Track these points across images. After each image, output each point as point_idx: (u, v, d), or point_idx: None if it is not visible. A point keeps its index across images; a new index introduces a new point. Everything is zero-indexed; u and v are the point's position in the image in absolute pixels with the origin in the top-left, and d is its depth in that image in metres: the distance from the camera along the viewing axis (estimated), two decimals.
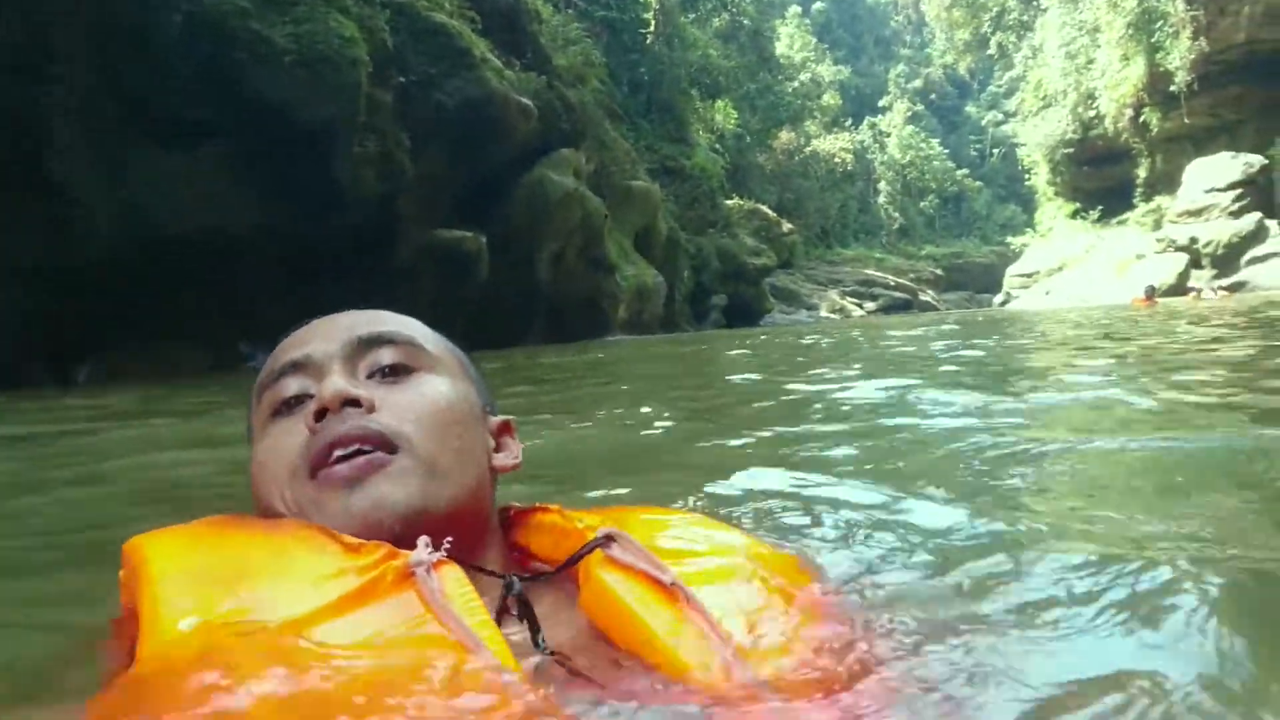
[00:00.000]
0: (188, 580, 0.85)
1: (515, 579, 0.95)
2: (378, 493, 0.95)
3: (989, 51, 55.68)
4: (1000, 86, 67.59)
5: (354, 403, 0.99)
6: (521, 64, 18.24)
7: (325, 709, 0.69)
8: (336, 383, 1.00)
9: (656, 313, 24.41)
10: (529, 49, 19.00)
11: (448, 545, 0.89)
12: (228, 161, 12.37)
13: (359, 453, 0.97)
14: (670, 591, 0.89)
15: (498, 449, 1.13)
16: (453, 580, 0.85)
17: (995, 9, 52.30)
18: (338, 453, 0.97)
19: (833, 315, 41.23)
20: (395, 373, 1.06)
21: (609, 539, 0.95)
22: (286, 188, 12.75)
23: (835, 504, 1.81)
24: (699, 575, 0.93)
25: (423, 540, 0.88)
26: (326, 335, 1.08)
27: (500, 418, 1.18)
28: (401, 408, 1.01)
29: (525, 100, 16.82)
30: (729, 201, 41.13)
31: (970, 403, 4.01)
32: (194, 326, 12.95)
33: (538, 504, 1.12)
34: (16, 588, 1.72)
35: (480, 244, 16.12)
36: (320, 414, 0.99)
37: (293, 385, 1.05)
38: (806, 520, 1.68)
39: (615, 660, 0.89)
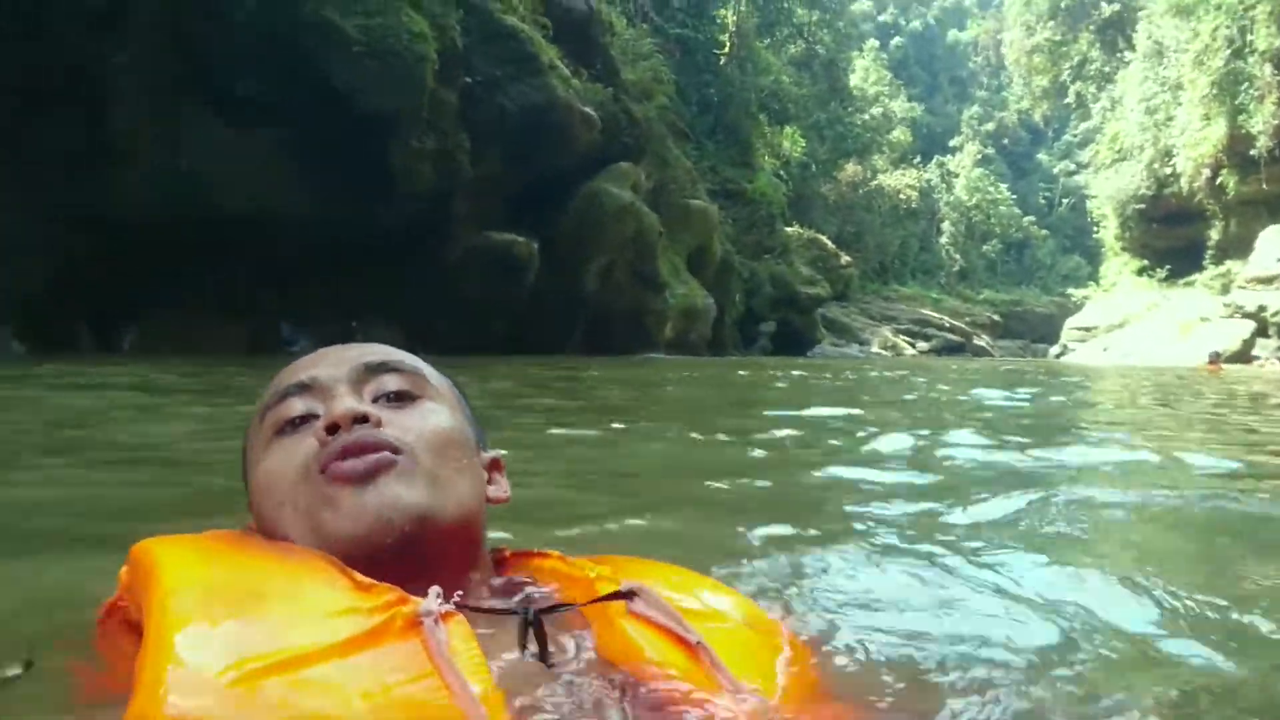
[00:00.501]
0: (199, 600, 0.85)
1: (531, 610, 0.93)
2: (390, 492, 0.96)
3: (1066, 100, 54.85)
4: (1075, 136, 66.52)
5: (363, 419, 1.01)
6: (589, 74, 18.25)
7: None
8: (347, 401, 1.02)
9: (704, 334, 24.24)
10: (599, 60, 19.03)
11: (458, 597, 0.89)
12: (286, 142, 12.49)
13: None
14: (694, 651, 0.90)
15: (489, 482, 1.14)
16: (460, 636, 0.84)
17: (1077, 58, 51.50)
18: (346, 461, 0.98)
19: (884, 352, 40.71)
20: (400, 398, 1.08)
21: (632, 592, 0.95)
22: (341, 175, 12.85)
23: (838, 565, 1.75)
24: (716, 636, 0.94)
25: (434, 590, 0.87)
26: (333, 361, 1.10)
27: (491, 453, 1.19)
28: (406, 426, 1.03)
29: (589, 110, 16.82)
30: (788, 229, 40.85)
31: (1018, 458, 3.86)
32: (236, 303, 13.07)
33: (535, 549, 1.13)
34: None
35: (531, 249, 16.11)
36: (331, 429, 1.00)
37: (298, 405, 1.06)
38: (818, 571, 1.66)
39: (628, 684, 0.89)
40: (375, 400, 1.06)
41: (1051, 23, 51.98)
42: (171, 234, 12.15)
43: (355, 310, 14.50)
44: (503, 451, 1.21)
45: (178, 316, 12.79)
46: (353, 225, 13.52)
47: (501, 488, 1.16)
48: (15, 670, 1.03)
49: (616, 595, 0.95)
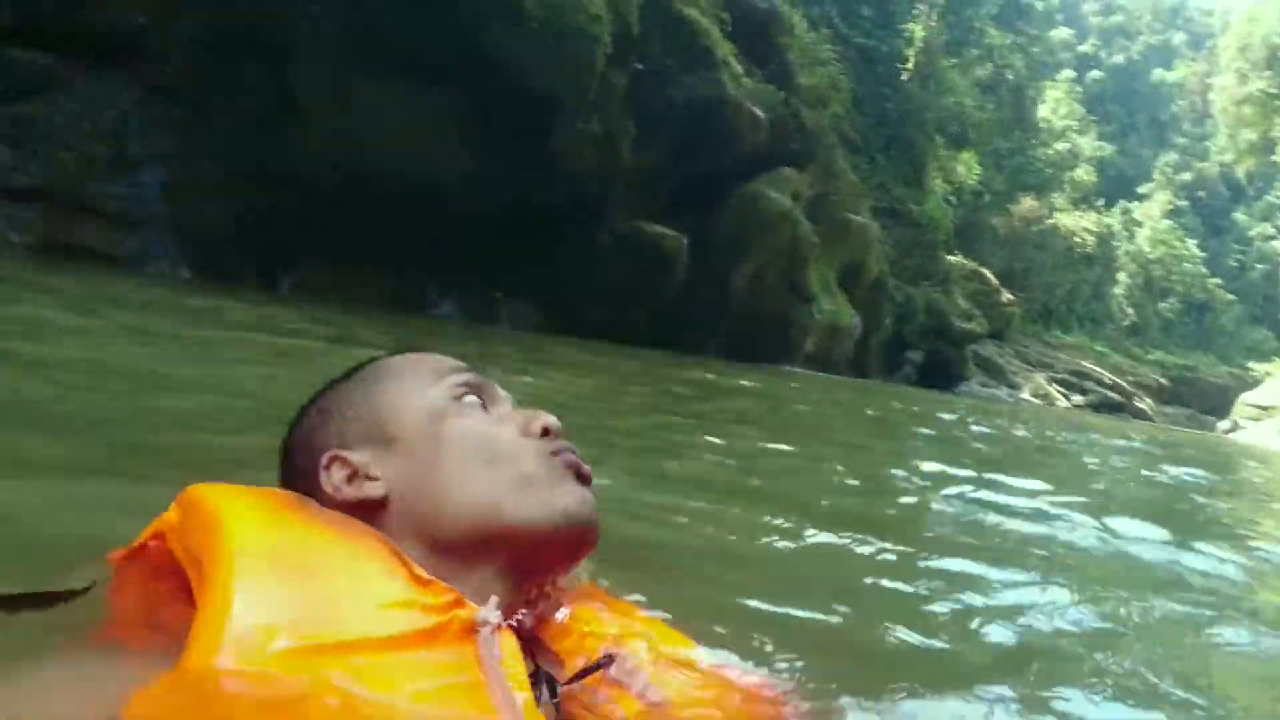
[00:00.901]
0: (265, 565, 0.83)
1: (554, 682, 0.93)
2: (594, 500, 1.00)
3: (1275, 158, 50.81)
4: (1279, 198, 61.74)
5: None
6: (763, 74, 17.82)
7: None
8: (555, 418, 1.04)
9: (846, 353, 23.49)
10: (775, 61, 18.56)
11: (520, 616, 0.92)
12: (452, 110, 12.58)
13: None
14: (660, 712, 0.94)
15: None
16: (510, 652, 0.85)
17: None
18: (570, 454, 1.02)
19: (1035, 399, 38.82)
20: None
21: (609, 659, 0.97)
22: (503, 148, 12.87)
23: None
24: (692, 705, 0.97)
25: (494, 600, 0.88)
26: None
27: None
28: None
29: (758, 110, 16.40)
30: (951, 258, 39.42)
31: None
32: (387, 261, 13.28)
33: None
34: None
35: (682, 244, 15.83)
36: (545, 432, 1.02)
37: (474, 379, 1.07)
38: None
39: None
40: None
41: (1269, 72, 48.22)
42: (335, 189, 12.45)
43: (500, 282, 14.57)
44: None
45: (333, 267, 13.12)
46: (509, 198, 13.55)
47: None
48: (84, 584, 0.99)
49: (595, 667, 0.96)
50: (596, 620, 1.05)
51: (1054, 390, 42.08)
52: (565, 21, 12.24)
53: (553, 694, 0.91)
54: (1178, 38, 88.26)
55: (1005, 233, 51.54)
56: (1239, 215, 73.75)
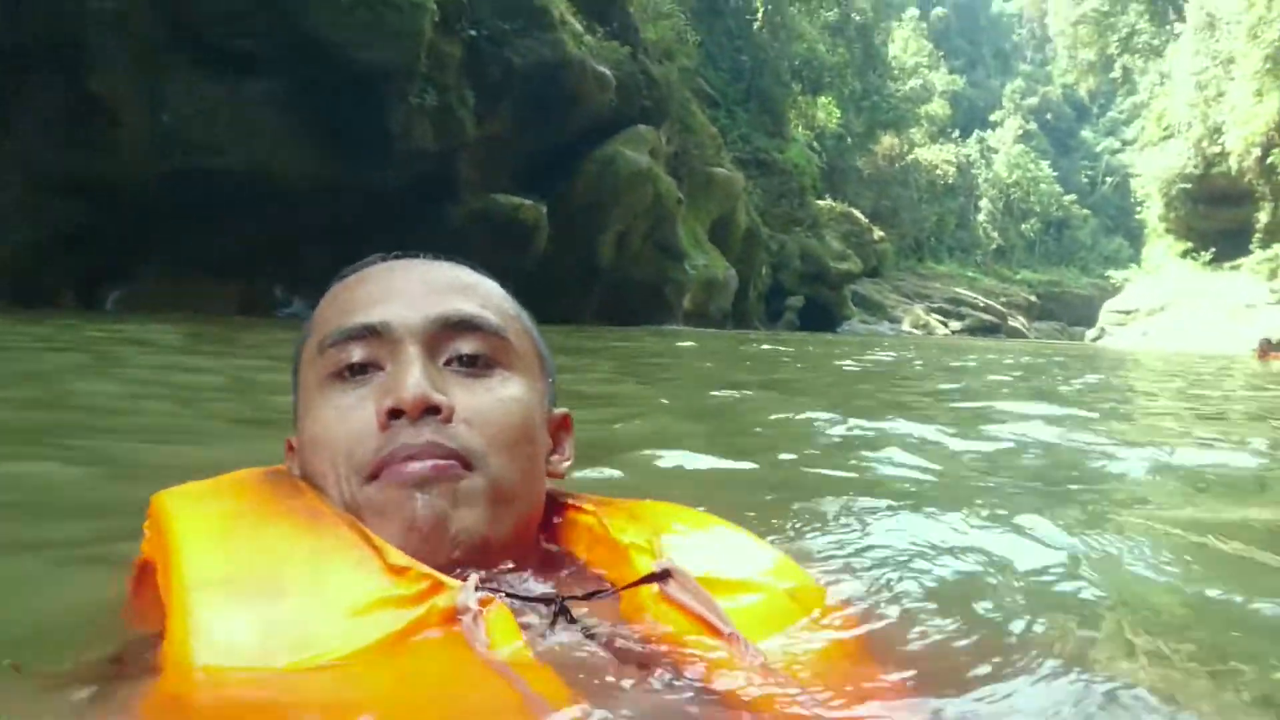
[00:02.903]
0: (221, 600, 0.79)
1: (563, 602, 0.88)
2: (445, 512, 0.89)
3: (1113, 74, 53.08)
4: (1121, 113, 64.75)
5: (433, 409, 0.91)
6: (605, 32, 17.45)
7: None
8: (419, 382, 0.91)
9: (725, 307, 23.50)
10: (615, 18, 18.19)
11: (493, 582, 0.87)
12: (275, 98, 11.90)
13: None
14: (729, 639, 0.86)
15: (554, 449, 1.06)
16: (500, 623, 0.80)
17: (1125, 30, 49.71)
18: (405, 466, 0.90)
19: (915, 330, 39.89)
20: (474, 364, 0.97)
21: (666, 574, 0.90)
22: (336, 132, 12.24)
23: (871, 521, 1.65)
24: (752, 618, 0.90)
25: (472, 579, 0.82)
26: (407, 300, 0.97)
27: (559, 411, 1.09)
28: (480, 418, 0.94)
29: (603, 69, 16.04)
30: (820, 202, 39.99)
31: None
32: (228, 265, 12.54)
33: (573, 500, 1.07)
34: None
35: (540, 214, 15.43)
36: (395, 413, 0.90)
37: (358, 351, 0.95)
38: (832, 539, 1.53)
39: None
40: (448, 362, 0.96)
41: None
42: (161, 195, 11.67)
43: None
44: (568, 411, 1.10)
45: (168, 277, 12.33)
46: (351, 185, 12.93)
47: (565, 455, 1.08)
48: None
49: (650, 578, 0.90)
50: (630, 524, 0.99)
51: (933, 319, 43.34)
52: None
53: (570, 619, 0.87)
54: None
55: (870, 172, 52.64)
56: (1085, 133, 77.13)
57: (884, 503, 1.86)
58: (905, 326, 40.36)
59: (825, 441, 3.34)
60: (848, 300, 36.67)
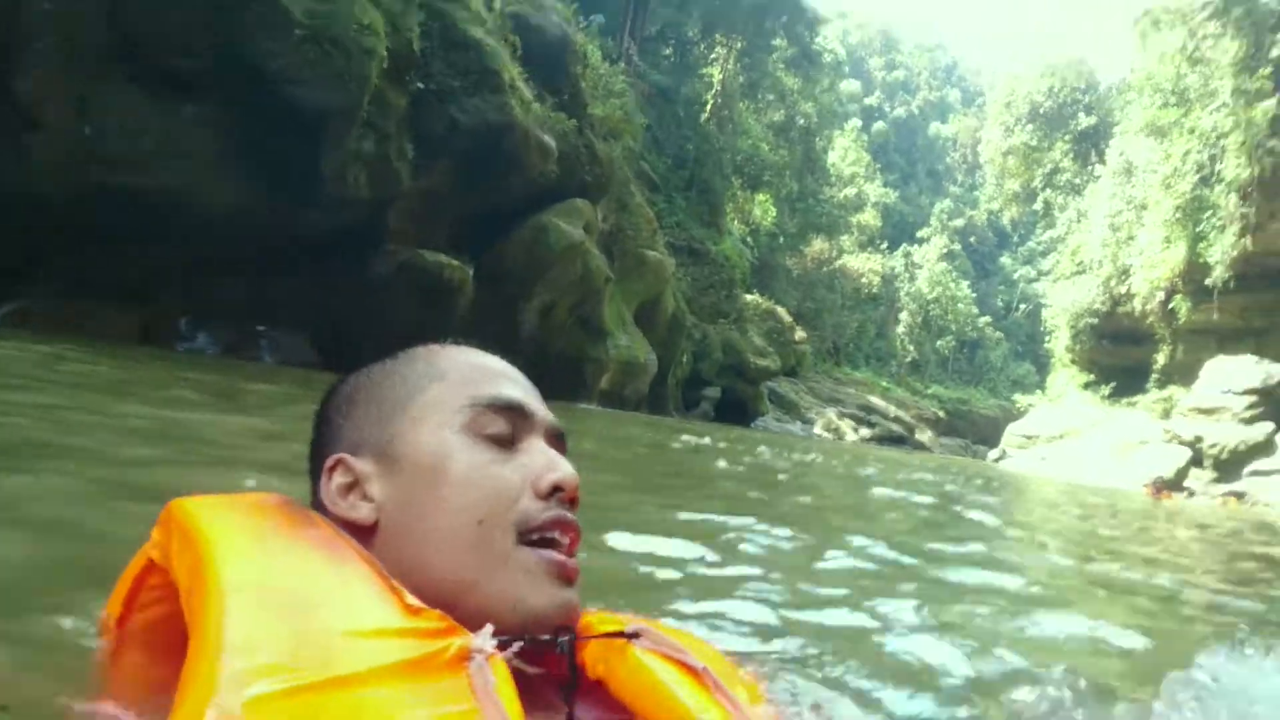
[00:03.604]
0: (256, 605, 0.82)
1: (568, 640, 0.96)
2: (574, 600, 0.98)
3: (1035, 206, 55.47)
4: (1039, 244, 67.48)
5: (575, 500, 1.01)
6: (555, 102, 17.47)
7: None
8: (573, 471, 1.01)
9: (642, 390, 23.35)
10: (567, 89, 18.26)
11: (515, 650, 0.89)
12: (208, 122, 11.49)
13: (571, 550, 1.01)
14: (700, 675, 0.95)
15: None
16: (503, 679, 0.84)
17: (1050, 166, 52.16)
18: (560, 536, 0.99)
19: (826, 434, 40.31)
20: None
21: (637, 634, 0.98)
22: (268, 168, 11.87)
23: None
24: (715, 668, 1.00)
25: (489, 628, 0.87)
26: (534, 397, 1.07)
27: None
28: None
29: (547, 138, 16.00)
30: (748, 296, 40.51)
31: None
32: (132, 291, 11.93)
33: None
34: None
35: (466, 275, 15.14)
36: (555, 490, 0.99)
37: (506, 422, 1.01)
38: None
39: None
40: None
41: (1030, 126, 52.70)
42: (71, 209, 11.10)
43: (266, 314, 13.44)
44: None
45: (66, 298, 11.65)
46: (273, 223, 12.50)
47: None
48: None
49: (623, 634, 0.98)
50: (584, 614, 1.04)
51: (844, 424, 43.87)
52: (336, 31, 11.44)
53: (566, 653, 0.94)
54: (953, 94, 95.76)
55: (798, 273, 53.75)
56: (1005, 259, 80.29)
57: None
58: (817, 429, 40.78)
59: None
60: (764, 397, 36.91)
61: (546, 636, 0.95)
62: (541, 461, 0.99)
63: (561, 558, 0.97)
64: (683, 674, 0.95)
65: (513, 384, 1.05)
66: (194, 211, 11.84)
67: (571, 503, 1.00)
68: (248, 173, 12.02)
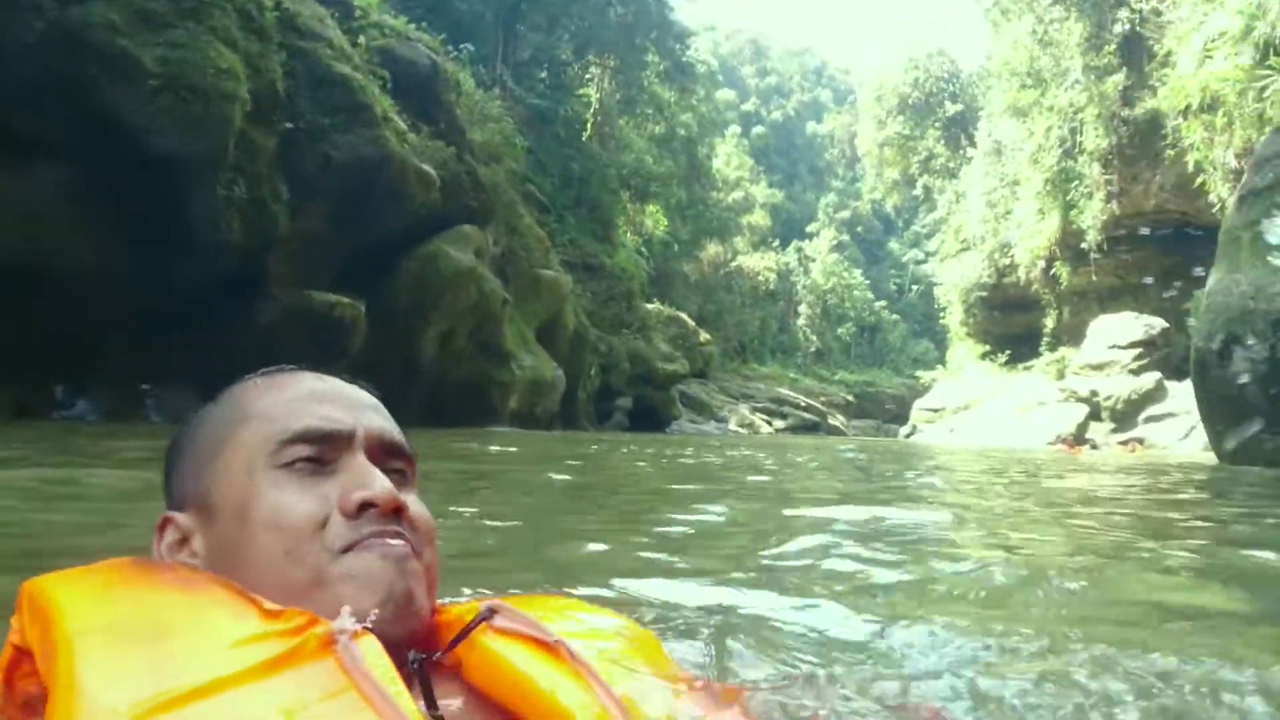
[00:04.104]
0: (104, 640, 0.81)
1: (414, 654, 0.94)
2: (414, 587, 0.96)
3: (915, 192, 57.23)
4: (923, 227, 69.56)
5: (398, 510, 0.98)
6: (430, 131, 17.36)
7: None
8: (388, 484, 0.98)
9: (552, 407, 23.28)
10: (442, 118, 18.16)
11: (373, 618, 0.88)
12: (68, 185, 11.08)
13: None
14: (554, 649, 0.94)
15: None
16: (372, 651, 0.83)
17: (924, 153, 53.89)
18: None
19: (741, 430, 40.77)
20: (402, 480, 1.05)
21: (492, 611, 0.97)
22: (131, 223, 11.49)
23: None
24: (581, 636, 0.98)
25: (346, 609, 0.86)
26: (356, 414, 1.03)
27: None
28: (418, 520, 1.02)
29: (427, 168, 15.88)
30: (649, 305, 40.77)
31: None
32: (4, 364, 11.41)
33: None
34: None
35: (358, 311, 14.91)
36: (365, 507, 0.96)
37: (316, 449, 0.99)
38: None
39: None
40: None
41: (900, 118, 54.40)
42: None
43: (151, 373, 13.01)
44: None
45: None
46: (148, 279, 12.10)
47: None
48: None
49: (478, 621, 0.97)
50: (456, 607, 1.03)
51: (758, 419, 44.48)
52: (191, 78, 11.17)
53: (412, 666, 0.92)
54: (824, 94, 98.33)
55: (696, 278, 54.39)
56: (893, 245, 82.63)
57: None
58: (732, 425, 41.24)
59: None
60: (676, 401, 37.17)
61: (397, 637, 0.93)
62: (352, 481, 0.97)
63: (377, 553, 0.94)
64: (533, 650, 0.93)
65: (328, 405, 1.03)
66: (56, 278, 11.39)
67: (397, 513, 0.97)
68: (111, 232, 11.63)
